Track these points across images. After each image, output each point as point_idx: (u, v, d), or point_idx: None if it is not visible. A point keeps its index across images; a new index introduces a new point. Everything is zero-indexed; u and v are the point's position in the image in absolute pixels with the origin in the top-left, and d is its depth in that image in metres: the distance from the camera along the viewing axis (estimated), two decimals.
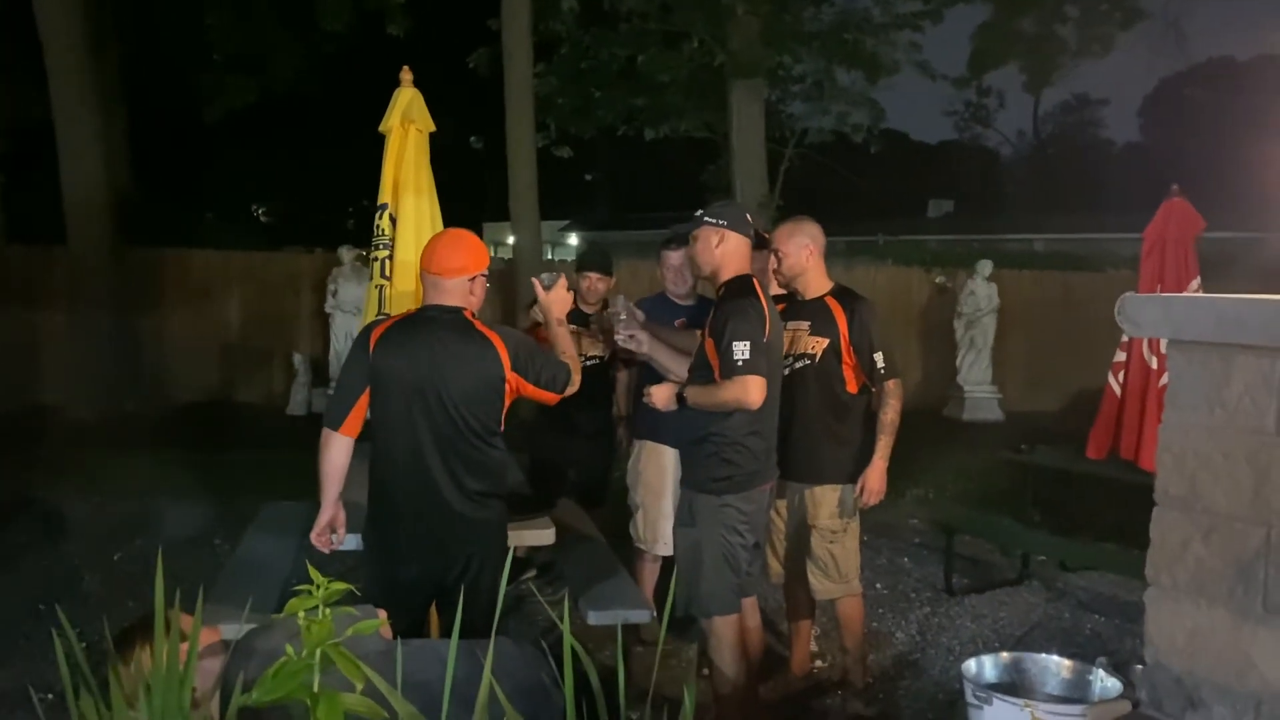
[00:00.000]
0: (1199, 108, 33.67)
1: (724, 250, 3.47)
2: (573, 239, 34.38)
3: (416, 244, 4.00)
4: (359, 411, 3.13)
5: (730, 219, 3.48)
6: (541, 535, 3.77)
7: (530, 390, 3.21)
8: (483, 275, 3.21)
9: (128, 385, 10.80)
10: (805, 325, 3.97)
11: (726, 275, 3.48)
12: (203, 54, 13.10)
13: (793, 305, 4.04)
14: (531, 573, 5.37)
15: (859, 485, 3.97)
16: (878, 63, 13.78)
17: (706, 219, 3.50)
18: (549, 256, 21.88)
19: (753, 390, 3.27)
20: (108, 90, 11.45)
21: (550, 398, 3.28)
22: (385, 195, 4.11)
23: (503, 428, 3.23)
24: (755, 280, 3.48)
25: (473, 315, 3.20)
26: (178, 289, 11.90)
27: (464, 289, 3.16)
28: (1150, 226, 5.91)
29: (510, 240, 11.84)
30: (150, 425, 9.94)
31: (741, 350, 3.26)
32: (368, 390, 3.11)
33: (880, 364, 3.92)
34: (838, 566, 4.03)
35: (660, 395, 3.53)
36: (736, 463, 3.40)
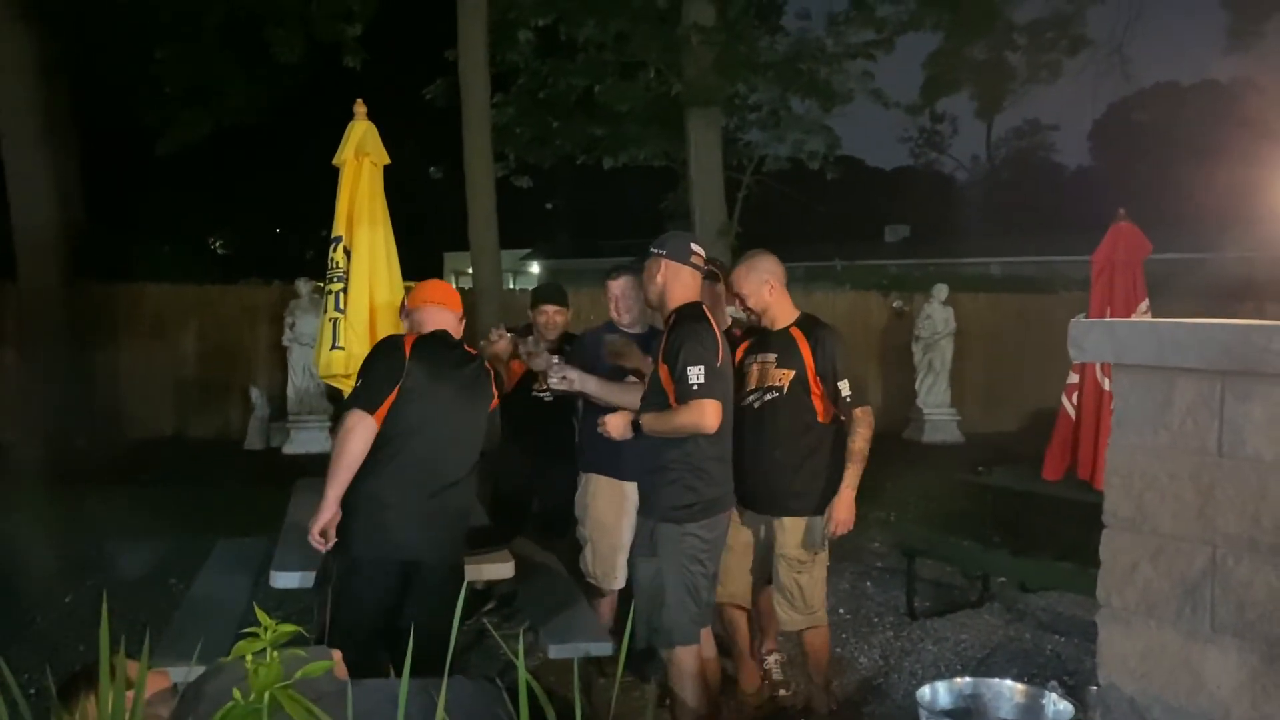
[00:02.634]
0: (1146, 131, 34.41)
1: (664, 279, 3.51)
2: (534, 267, 34.37)
3: (370, 277, 4.00)
4: (389, 404, 3.22)
5: (670, 248, 3.53)
6: (500, 568, 3.74)
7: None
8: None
9: (80, 422, 10.61)
10: (772, 358, 3.96)
11: (673, 303, 3.51)
12: (156, 86, 12.98)
13: (761, 337, 4.04)
14: (490, 605, 5.32)
15: (827, 515, 3.92)
16: (832, 91, 13.94)
17: (651, 250, 3.56)
18: (510, 285, 21.83)
19: (709, 414, 3.29)
20: (59, 123, 11.32)
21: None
22: (339, 228, 4.09)
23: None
24: (705, 308, 3.52)
25: None
26: (132, 323, 11.74)
27: (455, 319, 3.49)
28: (1099, 250, 6.02)
29: (470, 270, 11.82)
30: (103, 462, 9.77)
31: (696, 375, 3.28)
32: (399, 387, 3.22)
33: (846, 392, 3.87)
34: (804, 597, 3.99)
35: (615, 424, 3.54)
36: (698, 489, 3.40)
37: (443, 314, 3.45)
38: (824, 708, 4.16)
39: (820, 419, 3.96)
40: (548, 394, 5.11)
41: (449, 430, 3.31)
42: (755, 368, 3.96)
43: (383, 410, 3.21)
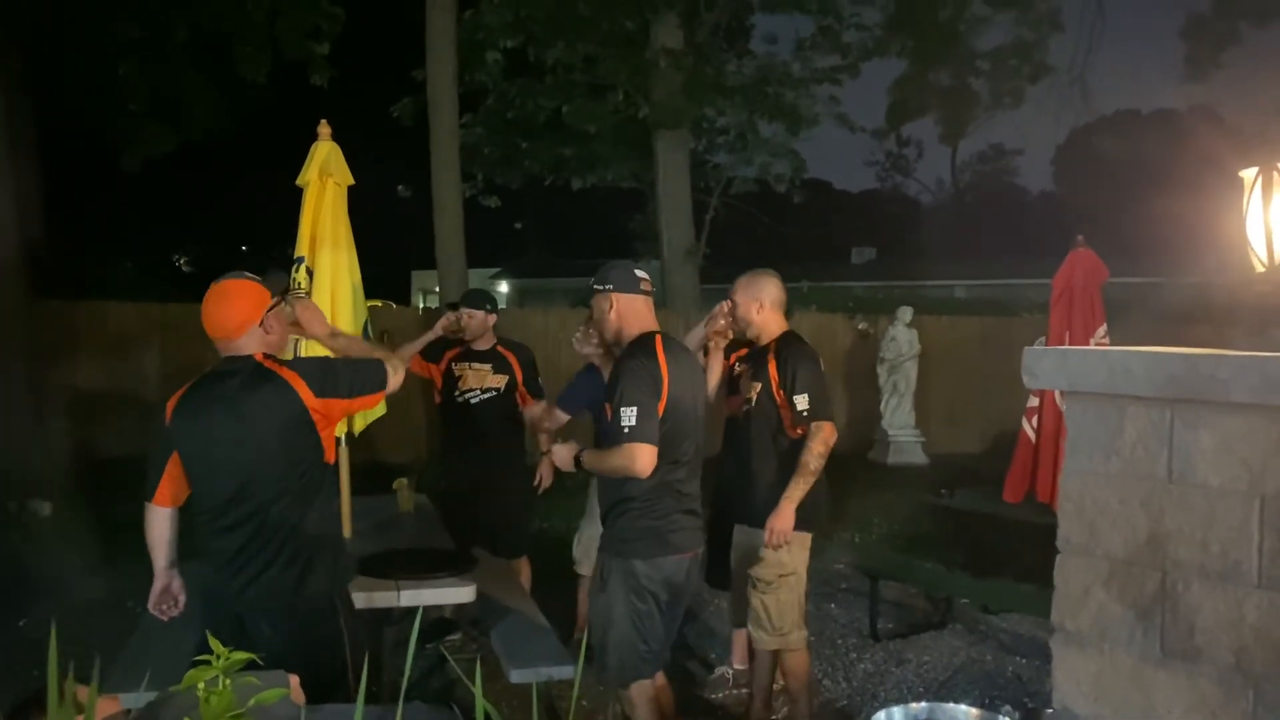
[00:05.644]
0: (1107, 157, 34.97)
1: (618, 312, 3.40)
2: (503, 286, 34.37)
3: (333, 299, 3.99)
4: (170, 481, 3.08)
5: (615, 281, 3.40)
6: (460, 593, 3.71)
7: (346, 405, 3.02)
8: (271, 310, 3.07)
9: (39, 442, 10.43)
10: (749, 369, 4.10)
11: (630, 334, 3.40)
12: (120, 102, 12.86)
13: (750, 351, 4.20)
14: (456, 636, 5.25)
15: (766, 527, 3.87)
16: (799, 115, 14.11)
17: (595, 287, 3.45)
18: None
19: (639, 458, 3.15)
20: (18, 138, 11.17)
21: (374, 401, 3.10)
22: (302, 248, 4.07)
23: (331, 458, 3.06)
24: (658, 338, 3.37)
25: (265, 356, 3.02)
26: (94, 342, 11.59)
27: (258, 336, 3.03)
28: (1057, 276, 6.08)
29: (438, 289, 11.81)
30: (63, 483, 9.61)
31: (628, 417, 3.15)
32: (175, 456, 3.04)
33: (801, 406, 3.87)
34: (770, 618, 3.95)
35: (560, 455, 3.46)
36: (647, 525, 3.29)
37: (227, 347, 3.04)
38: None
39: (790, 433, 3.96)
40: (474, 394, 4.98)
41: (243, 469, 2.96)
42: (741, 379, 4.11)
43: (166, 488, 3.09)
